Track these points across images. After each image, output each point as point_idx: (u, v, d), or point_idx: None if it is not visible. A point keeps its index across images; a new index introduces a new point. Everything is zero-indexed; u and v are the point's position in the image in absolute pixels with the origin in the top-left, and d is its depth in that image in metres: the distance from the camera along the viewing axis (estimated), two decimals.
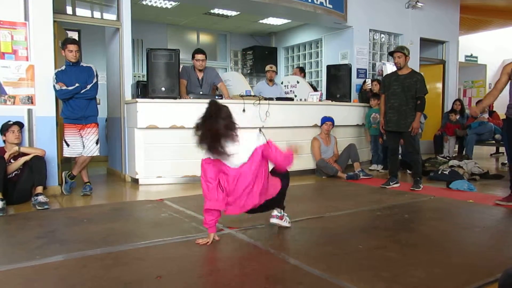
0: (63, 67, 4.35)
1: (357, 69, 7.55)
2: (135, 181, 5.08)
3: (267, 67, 6.62)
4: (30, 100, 4.35)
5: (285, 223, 2.96)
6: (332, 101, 6.41)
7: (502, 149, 7.71)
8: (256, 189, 2.56)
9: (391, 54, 4.86)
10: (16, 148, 3.90)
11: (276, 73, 6.93)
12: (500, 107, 6.16)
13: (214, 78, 5.68)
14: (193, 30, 9.32)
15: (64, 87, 4.23)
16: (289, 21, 8.51)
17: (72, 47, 4.26)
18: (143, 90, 5.30)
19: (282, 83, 7.39)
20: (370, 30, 7.85)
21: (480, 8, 9.44)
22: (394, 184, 4.77)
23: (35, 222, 3.27)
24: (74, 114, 4.34)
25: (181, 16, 8.33)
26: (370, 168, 6.37)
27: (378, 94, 6.52)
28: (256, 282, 2.05)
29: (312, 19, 7.43)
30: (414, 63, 7.50)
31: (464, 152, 7.30)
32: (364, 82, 7.24)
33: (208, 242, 2.61)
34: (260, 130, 5.13)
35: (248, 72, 9.61)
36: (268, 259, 2.39)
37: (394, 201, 4.05)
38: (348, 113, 6.49)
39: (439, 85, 9.18)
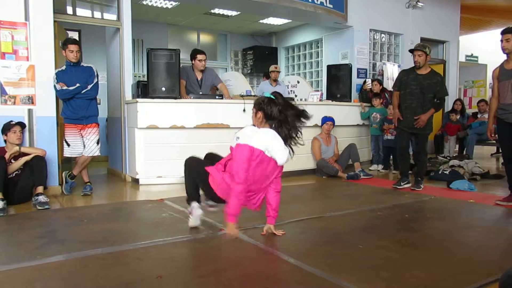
0: (64, 67, 4.36)
1: (358, 69, 7.55)
2: (136, 181, 5.08)
3: (272, 67, 6.62)
4: (31, 100, 4.36)
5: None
6: (332, 101, 6.41)
7: None
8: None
9: (411, 51, 4.65)
10: (17, 148, 3.91)
11: (279, 72, 6.91)
12: None
13: (214, 79, 5.68)
14: (194, 30, 9.32)
15: (65, 87, 4.23)
16: (290, 21, 8.51)
17: (73, 47, 4.27)
18: (144, 90, 5.30)
19: (283, 82, 7.39)
20: (371, 30, 7.86)
21: (480, 8, 9.44)
22: (405, 184, 4.64)
23: (36, 222, 3.27)
24: (75, 114, 4.34)
25: (181, 16, 8.34)
26: (370, 168, 6.37)
27: (378, 94, 6.54)
28: (256, 282, 2.06)
29: (312, 19, 7.43)
30: None
31: (464, 152, 7.30)
32: (365, 82, 7.24)
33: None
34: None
35: (249, 72, 9.61)
36: (268, 259, 2.40)
37: (395, 201, 4.05)
38: (349, 113, 6.49)
39: None
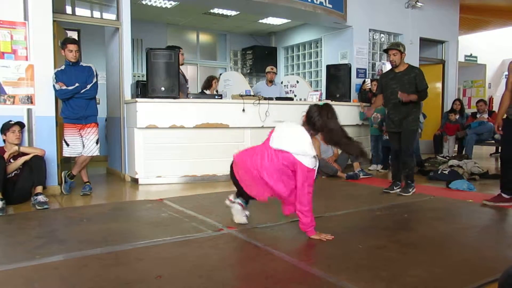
0: (63, 67, 4.35)
1: (357, 69, 7.55)
2: (135, 181, 5.08)
3: (268, 68, 6.66)
4: (30, 99, 4.35)
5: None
6: (331, 100, 6.41)
7: None
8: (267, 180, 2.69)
9: (385, 51, 4.62)
10: (16, 148, 3.90)
11: (276, 73, 6.94)
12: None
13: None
14: (193, 30, 9.32)
15: (64, 87, 4.23)
16: (289, 21, 8.51)
17: (72, 47, 4.26)
18: (143, 89, 5.29)
19: (282, 82, 7.40)
20: (370, 30, 7.86)
21: (479, 8, 9.45)
22: (397, 189, 4.49)
23: (35, 222, 3.27)
24: (74, 114, 4.34)
25: (181, 16, 8.33)
26: (369, 168, 6.37)
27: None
28: (256, 282, 2.06)
29: (311, 19, 7.43)
30: (414, 63, 7.47)
31: (463, 152, 7.30)
32: (364, 82, 7.24)
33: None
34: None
35: (248, 72, 9.61)
36: (268, 259, 2.39)
37: (394, 201, 4.06)
38: (348, 113, 6.49)
39: (439, 85, 9.18)
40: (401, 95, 4.32)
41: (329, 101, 6.32)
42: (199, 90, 7.44)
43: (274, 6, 6.37)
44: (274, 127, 2.82)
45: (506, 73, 3.86)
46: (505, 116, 3.78)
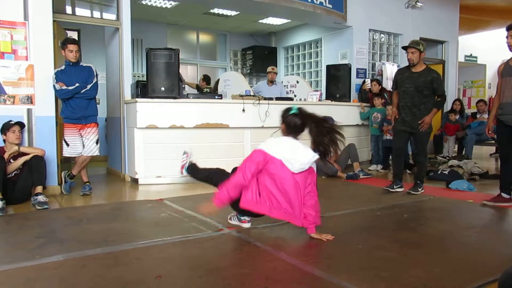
0: (63, 67, 4.35)
1: (357, 69, 7.55)
2: (135, 181, 5.08)
3: (269, 69, 6.68)
4: (30, 99, 4.35)
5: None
6: (331, 101, 6.41)
7: None
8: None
9: (404, 48, 4.45)
10: (16, 148, 3.90)
11: (276, 73, 6.95)
12: None
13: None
14: (193, 30, 9.32)
15: (64, 87, 4.23)
16: (289, 21, 8.51)
17: (72, 47, 4.27)
18: (143, 90, 5.29)
19: (282, 82, 7.40)
20: (370, 30, 7.86)
21: (479, 8, 9.45)
22: (398, 188, 4.48)
23: (35, 222, 3.26)
24: (74, 114, 4.34)
25: (181, 16, 8.33)
26: (369, 168, 6.37)
27: (380, 94, 6.54)
28: (256, 282, 2.06)
29: (311, 19, 7.43)
30: None
31: (463, 152, 7.30)
32: (364, 82, 7.24)
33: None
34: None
35: (248, 72, 9.61)
36: (268, 259, 2.39)
37: (394, 201, 4.06)
38: (348, 113, 6.49)
39: None
40: (423, 128, 4.34)
41: (330, 101, 6.34)
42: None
43: (274, 6, 6.37)
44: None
45: None
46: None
